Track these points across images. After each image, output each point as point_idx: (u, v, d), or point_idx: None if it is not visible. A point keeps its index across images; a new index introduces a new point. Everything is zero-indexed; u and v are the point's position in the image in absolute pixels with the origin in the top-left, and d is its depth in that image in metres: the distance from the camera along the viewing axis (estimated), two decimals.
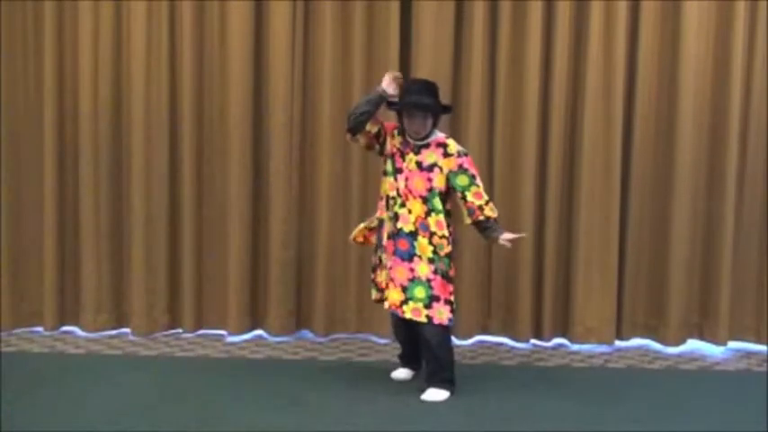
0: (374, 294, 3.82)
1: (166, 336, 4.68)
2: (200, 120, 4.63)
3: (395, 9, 4.48)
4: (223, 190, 4.63)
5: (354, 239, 3.90)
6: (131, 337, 4.63)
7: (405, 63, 4.54)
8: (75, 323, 4.75)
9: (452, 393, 3.61)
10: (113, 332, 4.71)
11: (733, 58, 4.47)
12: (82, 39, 4.55)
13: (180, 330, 4.73)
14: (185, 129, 4.58)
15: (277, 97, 4.54)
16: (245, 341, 4.63)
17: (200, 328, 4.74)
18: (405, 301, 3.55)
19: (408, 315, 3.54)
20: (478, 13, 4.47)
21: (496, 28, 4.53)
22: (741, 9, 4.43)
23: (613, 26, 4.45)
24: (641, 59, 4.50)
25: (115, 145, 4.63)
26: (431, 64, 4.43)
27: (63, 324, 4.75)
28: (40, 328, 4.73)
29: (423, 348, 3.67)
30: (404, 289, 3.56)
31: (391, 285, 3.61)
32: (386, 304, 3.66)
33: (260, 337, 4.71)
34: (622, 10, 4.43)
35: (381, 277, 3.73)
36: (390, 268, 3.60)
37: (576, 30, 4.52)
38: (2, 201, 4.64)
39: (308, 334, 4.73)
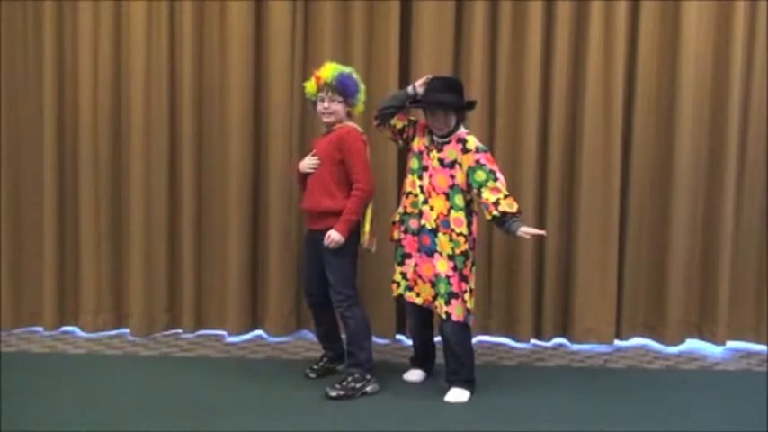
0: (394, 290, 3.82)
1: (166, 336, 4.68)
2: (200, 120, 4.63)
3: (395, 9, 4.48)
4: (223, 190, 4.62)
5: (391, 239, 3.87)
6: (131, 337, 4.63)
7: (405, 63, 4.54)
8: (75, 323, 4.75)
9: (473, 394, 3.61)
10: (113, 332, 4.71)
11: (733, 58, 4.47)
12: (82, 39, 4.55)
13: (179, 330, 4.73)
14: (185, 129, 4.58)
15: (277, 97, 4.54)
16: (245, 341, 4.63)
17: (200, 328, 4.74)
18: (435, 296, 3.59)
19: (439, 310, 3.57)
20: (478, 13, 4.48)
21: (496, 28, 4.54)
22: (741, 9, 4.44)
23: (613, 26, 4.45)
24: (641, 59, 4.50)
25: (115, 145, 4.63)
26: (431, 64, 4.42)
27: (63, 324, 4.75)
28: (40, 328, 4.73)
29: (443, 347, 3.65)
30: (432, 284, 3.59)
31: (420, 282, 3.64)
32: (416, 300, 3.67)
33: (260, 337, 4.71)
34: (622, 10, 4.44)
35: (396, 272, 3.75)
36: (417, 265, 3.62)
37: (576, 30, 4.53)
38: (2, 201, 4.64)
39: (308, 334, 4.73)
